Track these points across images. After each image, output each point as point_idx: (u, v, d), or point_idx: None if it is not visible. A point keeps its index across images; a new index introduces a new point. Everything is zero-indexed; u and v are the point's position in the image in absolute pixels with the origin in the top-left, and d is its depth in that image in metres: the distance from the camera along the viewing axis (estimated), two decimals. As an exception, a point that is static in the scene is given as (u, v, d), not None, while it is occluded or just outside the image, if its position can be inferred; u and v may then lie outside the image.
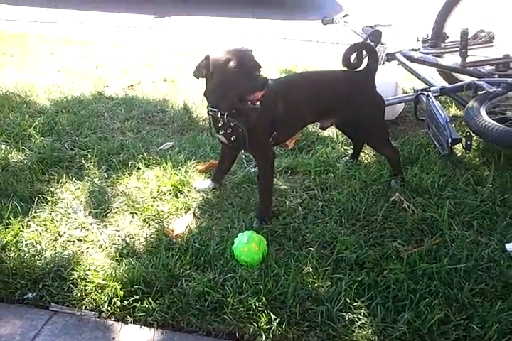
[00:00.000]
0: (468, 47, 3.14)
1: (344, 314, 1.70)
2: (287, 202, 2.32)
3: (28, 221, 2.18)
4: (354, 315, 1.70)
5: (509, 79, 2.82)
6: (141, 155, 2.67)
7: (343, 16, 3.76)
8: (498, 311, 1.66)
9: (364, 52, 2.36)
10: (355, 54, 2.30)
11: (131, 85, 3.83)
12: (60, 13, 6.38)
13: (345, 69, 2.29)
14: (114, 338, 1.69)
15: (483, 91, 2.77)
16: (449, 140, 2.52)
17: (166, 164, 2.57)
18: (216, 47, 1.98)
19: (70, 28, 5.77)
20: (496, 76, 2.99)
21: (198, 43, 5.12)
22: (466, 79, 3.13)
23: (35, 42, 4.96)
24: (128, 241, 2.06)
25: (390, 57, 3.46)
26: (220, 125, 2.06)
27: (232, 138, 2.08)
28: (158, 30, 5.79)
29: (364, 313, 1.70)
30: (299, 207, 2.27)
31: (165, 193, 2.38)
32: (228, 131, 2.06)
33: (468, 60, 3.10)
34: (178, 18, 6.29)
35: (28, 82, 3.82)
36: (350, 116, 2.27)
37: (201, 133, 3.02)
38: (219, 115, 2.01)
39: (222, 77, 1.92)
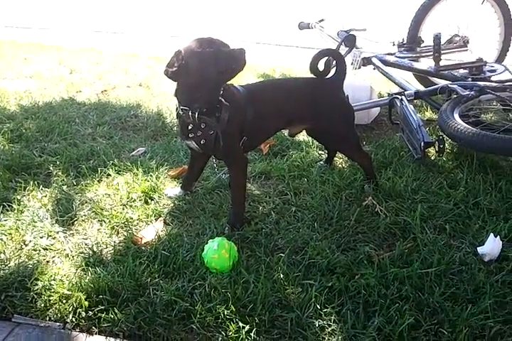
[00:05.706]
0: (443, 52, 3.17)
1: (314, 321, 1.66)
2: (260, 208, 2.28)
3: (-7, 230, 2.12)
4: (324, 322, 1.66)
5: (482, 83, 2.84)
6: (111, 162, 2.61)
7: (319, 21, 3.76)
8: (469, 315, 1.63)
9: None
10: (323, 61, 2.26)
11: (105, 90, 3.78)
12: (34, 18, 6.32)
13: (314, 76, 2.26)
14: (78, 350, 1.65)
15: (457, 95, 2.78)
16: (422, 143, 2.52)
17: (137, 170, 2.52)
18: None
19: (44, 33, 5.71)
20: (470, 79, 3.01)
21: (174, 48, 5.09)
22: (442, 83, 3.15)
23: (8, 48, 4.89)
24: (95, 250, 2.00)
25: (366, 61, 3.48)
26: (190, 128, 2.00)
27: (201, 142, 2.02)
28: (132, 35, 5.76)
29: (334, 319, 1.67)
30: (272, 213, 2.23)
31: (135, 200, 2.33)
32: (198, 134, 2.00)
33: (442, 63, 3.12)
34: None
35: (-1, 88, 3.75)
36: (319, 124, 2.24)
37: (175, 138, 2.98)
38: (190, 114, 1.95)
39: (200, 72, 1.89)
